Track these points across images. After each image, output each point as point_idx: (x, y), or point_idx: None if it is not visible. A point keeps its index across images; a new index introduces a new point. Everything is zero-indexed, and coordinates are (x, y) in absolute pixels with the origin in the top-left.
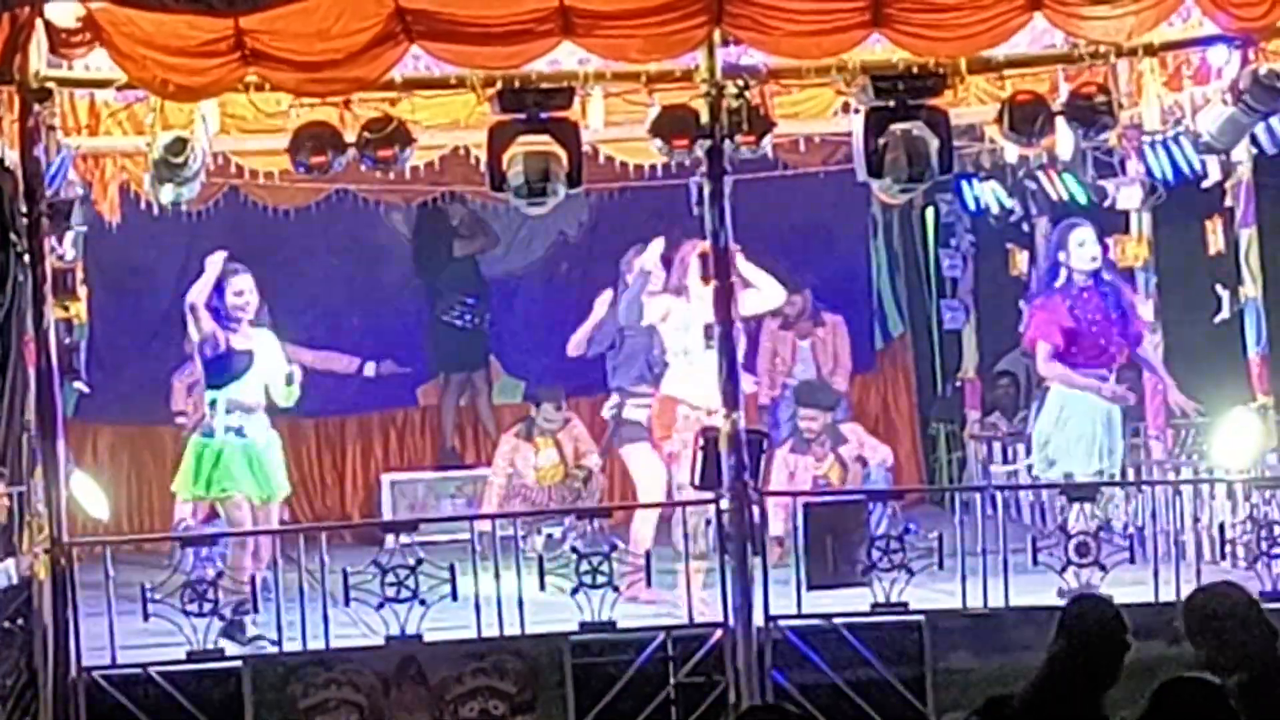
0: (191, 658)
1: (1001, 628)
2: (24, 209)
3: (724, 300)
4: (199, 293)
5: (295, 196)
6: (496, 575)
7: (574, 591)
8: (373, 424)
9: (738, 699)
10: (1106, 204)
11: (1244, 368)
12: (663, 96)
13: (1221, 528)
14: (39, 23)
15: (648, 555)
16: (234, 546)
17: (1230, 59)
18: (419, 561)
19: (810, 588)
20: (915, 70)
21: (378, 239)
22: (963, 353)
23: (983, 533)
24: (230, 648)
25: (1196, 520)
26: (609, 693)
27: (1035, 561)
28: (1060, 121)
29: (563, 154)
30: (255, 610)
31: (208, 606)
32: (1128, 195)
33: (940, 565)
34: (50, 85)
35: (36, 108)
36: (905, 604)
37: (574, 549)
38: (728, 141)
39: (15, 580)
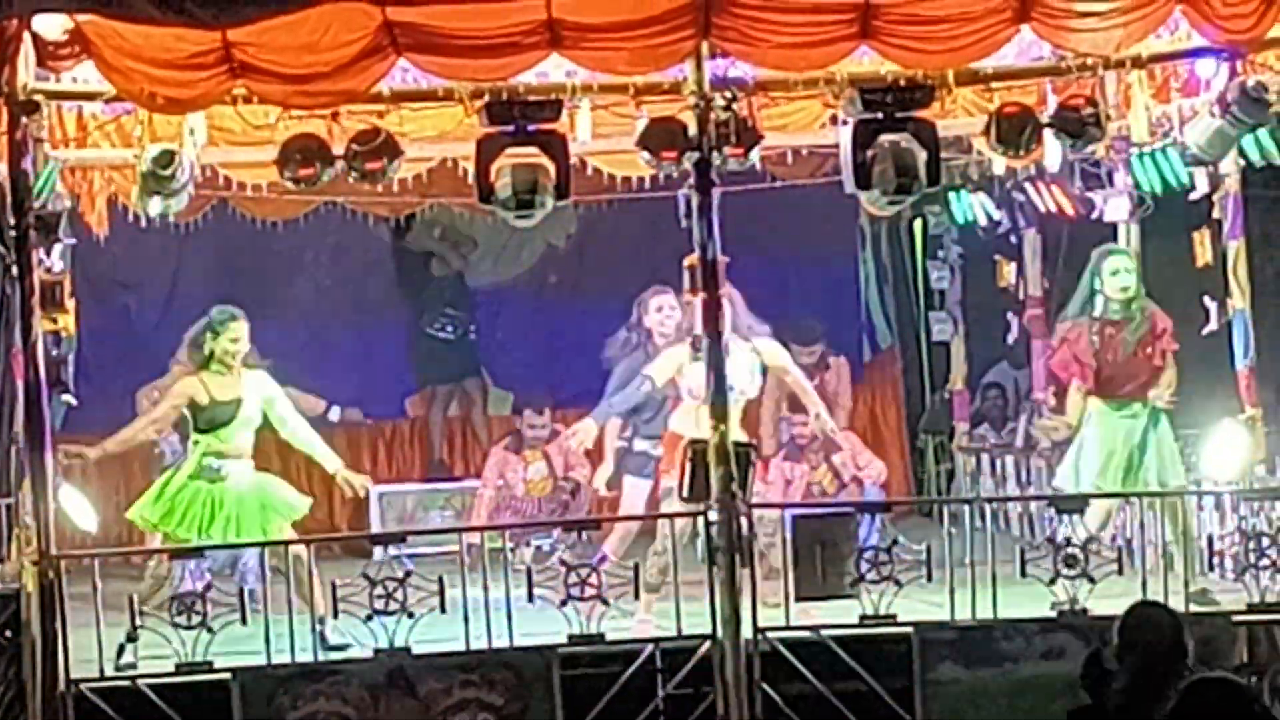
0: (180, 670)
1: (990, 640)
2: (12, 221)
3: (711, 312)
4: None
5: (283, 209)
6: (485, 587)
7: (562, 603)
8: (361, 435)
9: (726, 711)
10: (1094, 216)
11: (1232, 380)
12: (651, 109)
13: (1210, 539)
14: (26, 35)
15: (635, 567)
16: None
17: (1218, 71)
18: (407, 574)
19: (799, 599)
20: (903, 82)
21: (366, 251)
22: (951, 364)
23: (971, 544)
24: (218, 660)
25: (1184, 532)
26: (597, 705)
27: (1024, 573)
28: (1048, 133)
29: (551, 166)
30: (244, 623)
31: (196, 619)
32: (1115, 207)
33: (929, 577)
34: (38, 98)
35: (24, 120)
36: (894, 616)
37: (562, 561)
38: (716, 154)
39: (3, 593)
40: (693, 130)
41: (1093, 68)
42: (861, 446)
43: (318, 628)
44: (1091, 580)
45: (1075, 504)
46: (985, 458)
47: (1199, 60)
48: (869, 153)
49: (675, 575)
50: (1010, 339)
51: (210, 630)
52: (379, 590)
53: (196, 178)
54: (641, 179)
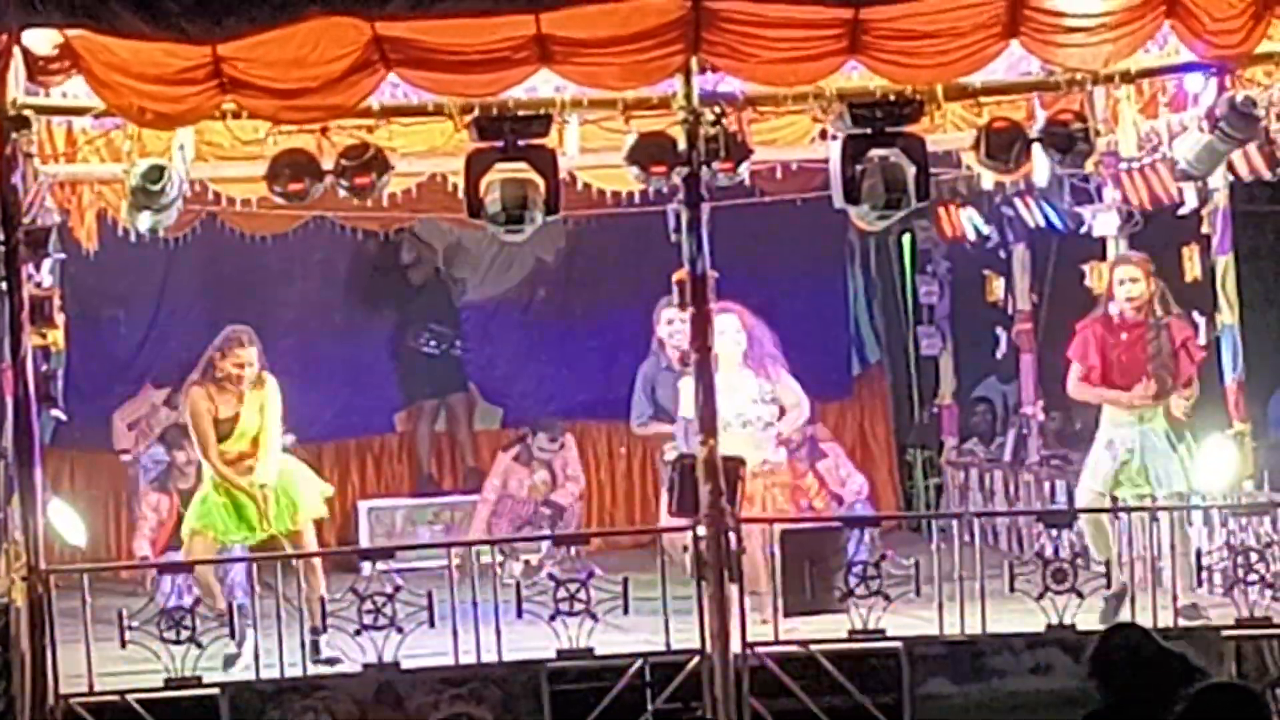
0: (169, 685)
1: (979, 654)
2: (1, 236)
3: (700, 327)
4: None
5: (273, 224)
6: (474, 602)
7: (551, 618)
8: (350, 450)
9: None
10: (1083, 231)
11: (1221, 394)
12: (640, 124)
13: (1199, 554)
14: (16, 50)
15: (625, 582)
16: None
17: (1207, 86)
18: (396, 588)
19: (787, 614)
20: (892, 97)
21: (355, 266)
22: (939, 379)
23: (960, 559)
24: (208, 675)
25: (1173, 547)
26: (586, 719)
27: (1012, 588)
28: (1037, 148)
29: (540, 181)
30: (233, 637)
31: (185, 634)
32: (1104, 222)
33: (917, 592)
34: (28, 113)
35: (14, 135)
36: (883, 631)
37: (551, 576)
38: (705, 168)
39: None
40: (682, 145)
41: (1081, 83)
42: (845, 459)
43: (309, 639)
44: (1080, 595)
45: (1063, 519)
46: (974, 472)
47: (1188, 75)
48: (858, 168)
49: (664, 590)
50: (999, 354)
51: (199, 645)
52: (368, 605)
53: (186, 193)
54: (631, 194)
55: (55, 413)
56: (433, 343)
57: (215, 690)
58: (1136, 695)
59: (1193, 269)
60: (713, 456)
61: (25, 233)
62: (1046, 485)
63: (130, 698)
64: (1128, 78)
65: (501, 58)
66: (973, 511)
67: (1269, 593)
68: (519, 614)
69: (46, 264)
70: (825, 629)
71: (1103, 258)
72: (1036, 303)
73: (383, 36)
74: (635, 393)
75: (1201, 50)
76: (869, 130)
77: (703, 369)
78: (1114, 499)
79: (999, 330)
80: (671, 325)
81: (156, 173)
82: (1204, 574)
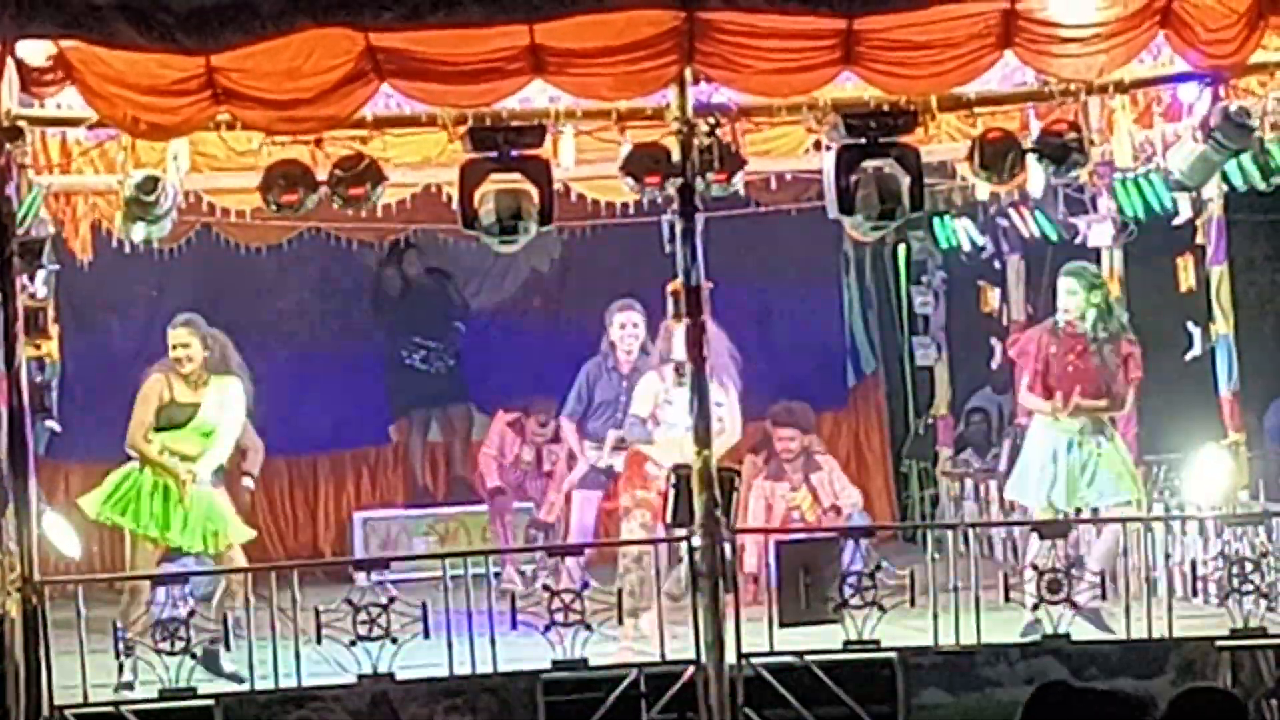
0: (164, 695)
1: (974, 665)
2: None
3: (695, 338)
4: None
5: (267, 235)
6: (469, 613)
7: (546, 629)
8: (345, 461)
9: None
10: (1078, 241)
11: (1215, 405)
12: (634, 134)
13: (1193, 565)
14: (10, 61)
15: (619, 593)
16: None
17: (1201, 96)
18: (391, 599)
19: (782, 625)
20: (886, 108)
21: (349, 277)
22: (934, 390)
23: (954, 570)
24: (202, 686)
25: (1168, 557)
26: None
27: (1007, 598)
28: (1031, 159)
29: (534, 192)
30: (227, 648)
31: (180, 644)
32: (1099, 232)
33: (912, 602)
34: (21, 124)
35: (8, 146)
36: (877, 641)
37: (545, 586)
38: (699, 179)
39: None
40: (676, 156)
41: (1076, 93)
42: (840, 472)
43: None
44: (1075, 605)
45: (1059, 530)
46: (969, 483)
47: (1182, 85)
48: (852, 178)
49: (658, 600)
50: (994, 364)
51: (194, 656)
52: (362, 616)
53: (180, 203)
54: (625, 204)
55: (50, 424)
56: (417, 355)
57: (210, 701)
58: None
59: (1187, 279)
60: (708, 467)
61: (19, 244)
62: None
63: (124, 709)
64: (1122, 88)
65: (495, 68)
66: (968, 522)
67: (1264, 603)
68: (514, 624)
69: (41, 275)
70: (820, 639)
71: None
72: (1031, 313)
73: (376, 47)
74: (573, 387)
75: (1195, 60)
76: (863, 141)
77: (698, 380)
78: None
79: (994, 341)
80: (624, 329)
81: (151, 184)
82: (1199, 584)
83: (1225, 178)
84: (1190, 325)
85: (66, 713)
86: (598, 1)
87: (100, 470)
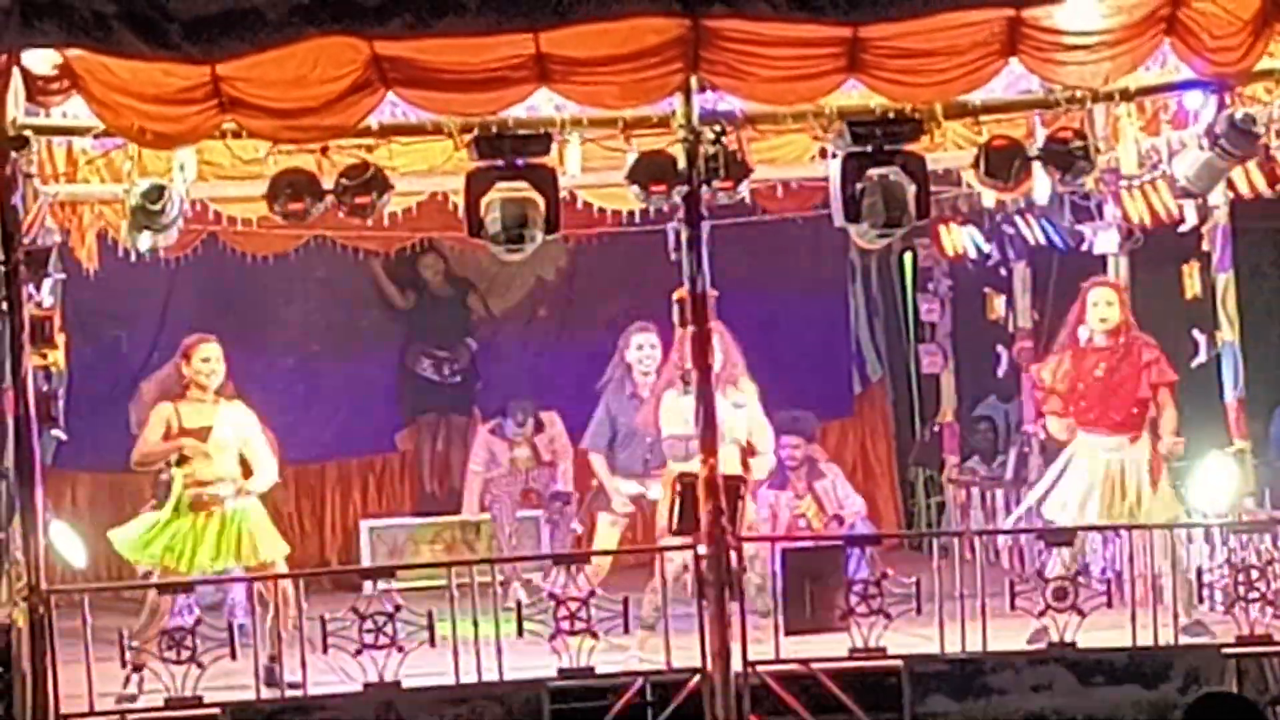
0: (170, 705)
1: (980, 672)
2: (1, 257)
3: (701, 347)
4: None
5: (273, 243)
6: (475, 621)
7: (552, 637)
8: (352, 469)
9: None
10: (1084, 248)
11: (1221, 412)
12: (640, 142)
13: (1199, 572)
14: (16, 70)
15: (625, 601)
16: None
17: (1206, 104)
18: (397, 608)
19: (788, 633)
20: (892, 115)
21: (356, 285)
22: (941, 397)
23: (960, 577)
24: (208, 695)
25: (1175, 565)
26: None
27: (1013, 606)
28: (1037, 166)
29: (540, 200)
30: (234, 658)
31: (186, 653)
32: (1105, 239)
33: (918, 610)
34: (27, 133)
35: (14, 155)
36: (883, 649)
37: (552, 595)
38: (705, 187)
39: None
40: (682, 164)
41: (1081, 100)
42: (843, 480)
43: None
44: (1081, 613)
45: (1065, 537)
46: (975, 490)
47: (1187, 93)
48: (858, 186)
49: (665, 608)
50: (1000, 372)
51: (200, 665)
52: (369, 624)
53: (186, 212)
54: (631, 213)
55: (56, 433)
56: (428, 365)
57: (216, 710)
58: None
59: (1193, 286)
60: (713, 475)
61: (25, 253)
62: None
63: (130, 718)
64: (1127, 95)
65: (501, 77)
66: (973, 530)
67: (1270, 610)
68: (520, 633)
69: (47, 284)
70: (826, 647)
71: (1104, 275)
72: (1037, 320)
73: (382, 56)
74: (596, 418)
75: (1201, 67)
76: (869, 148)
77: (703, 388)
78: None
79: (1000, 348)
80: (642, 350)
81: (156, 192)
82: (1205, 591)
83: (1231, 185)
84: (1196, 332)
85: None
86: (603, 10)
87: (107, 479)
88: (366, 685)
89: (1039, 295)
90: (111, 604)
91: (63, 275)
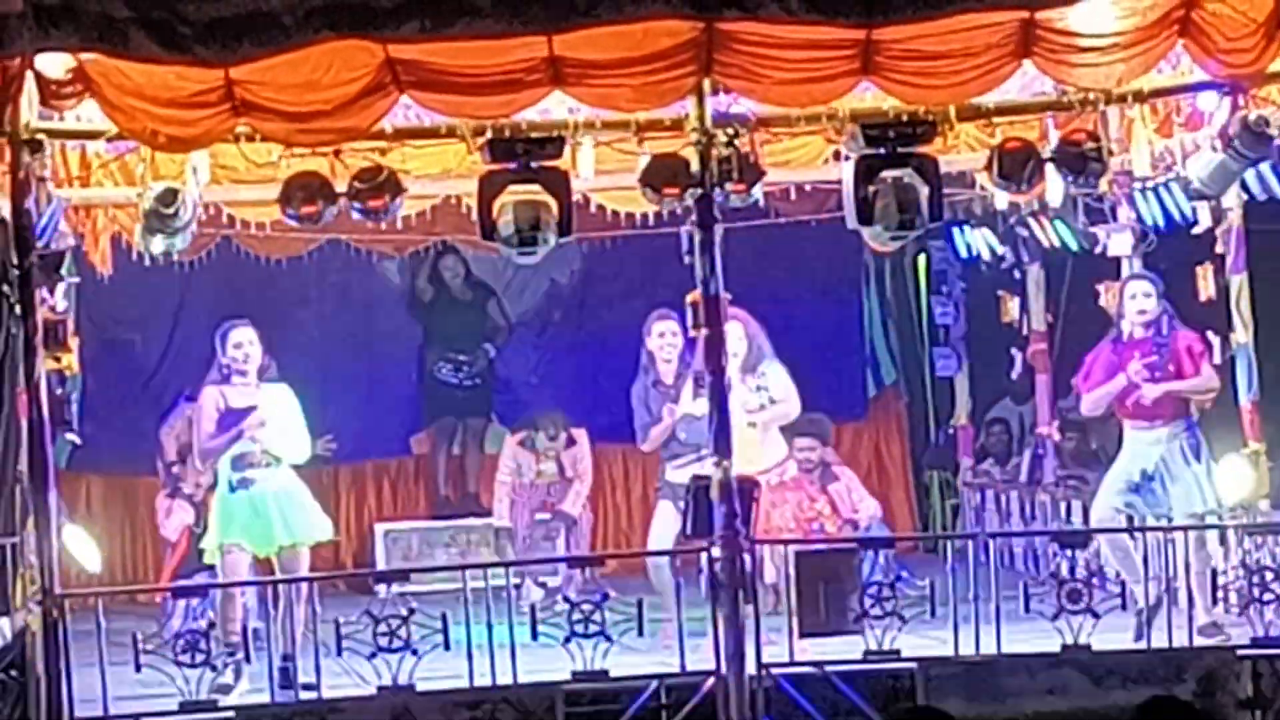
0: (184, 709)
1: (994, 675)
2: (15, 260)
3: (714, 349)
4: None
5: (287, 247)
6: (489, 624)
7: (566, 640)
8: (366, 473)
9: None
10: (1098, 250)
11: (1236, 414)
12: (653, 145)
13: (1214, 574)
14: (29, 74)
15: (639, 603)
16: (223, 598)
17: (1220, 105)
18: (411, 611)
19: (802, 635)
20: (905, 118)
21: (370, 288)
22: (955, 400)
23: (975, 580)
24: (222, 698)
25: (1188, 566)
26: None
27: (1028, 609)
28: (1050, 168)
29: (553, 203)
30: (248, 660)
31: (200, 657)
32: (1119, 242)
33: (932, 613)
34: (41, 137)
35: (27, 159)
36: (898, 651)
37: (566, 598)
38: (718, 190)
39: (9, 635)
40: (695, 166)
41: (1094, 102)
42: (858, 483)
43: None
44: (1095, 615)
45: (1078, 539)
46: (990, 493)
47: (1201, 94)
48: (871, 188)
49: (679, 612)
50: (1014, 374)
51: (213, 669)
52: (383, 628)
53: (200, 216)
54: (644, 215)
55: (70, 436)
56: (446, 368)
57: (230, 714)
58: None
59: (1207, 288)
60: (728, 477)
61: (39, 256)
62: (1062, 506)
63: None
64: (1140, 97)
65: (514, 80)
66: (988, 532)
67: None
68: (534, 636)
69: (61, 288)
70: (840, 650)
71: (1116, 278)
72: (1051, 323)
73: (395, 59)
74: (636, 412)
75: (1214, 69)
76: (882, 151)
77: (717, 391)
78: (1130, 519)
79: (1014, 351)
80: (663, 338)
81: (170, 196)
82: (1220, 593)
83: (1245, 187)
84: (1210, 335)
85: None
86: (617, 12)
87: (120, 483)
88: (380, 688)
89: (1053, 298)
90: (125, 608)
91: (77, 279)
